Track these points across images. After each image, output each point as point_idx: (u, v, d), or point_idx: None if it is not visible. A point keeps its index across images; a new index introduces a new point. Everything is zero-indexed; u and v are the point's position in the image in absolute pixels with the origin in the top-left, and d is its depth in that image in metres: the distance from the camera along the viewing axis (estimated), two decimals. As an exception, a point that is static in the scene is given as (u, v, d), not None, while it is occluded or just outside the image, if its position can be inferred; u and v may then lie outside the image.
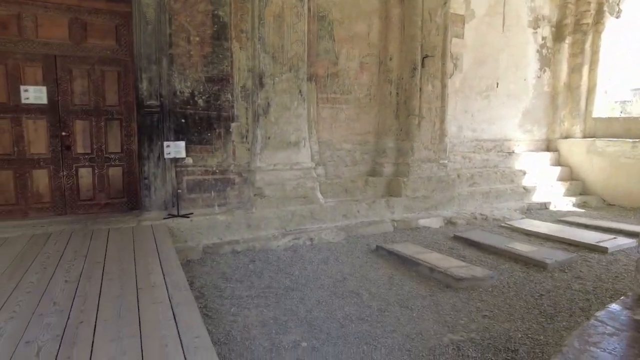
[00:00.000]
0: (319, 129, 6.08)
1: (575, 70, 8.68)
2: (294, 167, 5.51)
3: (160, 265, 3.45)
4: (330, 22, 6.11)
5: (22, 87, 4.60)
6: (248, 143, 5.45)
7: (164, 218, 4.82)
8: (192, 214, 5.04)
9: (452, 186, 6.80)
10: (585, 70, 8.61)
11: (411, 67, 6.41)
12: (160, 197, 4.99)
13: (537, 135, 8.77)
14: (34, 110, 4.68)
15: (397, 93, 6.57)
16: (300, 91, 5.50)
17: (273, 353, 2.76)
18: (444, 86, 6.67)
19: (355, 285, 3.91)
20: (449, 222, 6.30)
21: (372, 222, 5.88)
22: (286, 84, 5.40)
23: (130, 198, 5.14)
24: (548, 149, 8.86)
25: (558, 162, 8.71)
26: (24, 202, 4.72)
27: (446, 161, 6.81)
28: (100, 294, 2.86)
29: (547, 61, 8.66)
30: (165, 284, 3.04)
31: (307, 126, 5.67)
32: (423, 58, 6.45)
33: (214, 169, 5.28)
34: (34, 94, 4.64)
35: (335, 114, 6.26)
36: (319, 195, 5.68)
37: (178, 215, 4.91)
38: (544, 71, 8.67)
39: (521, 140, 8.52)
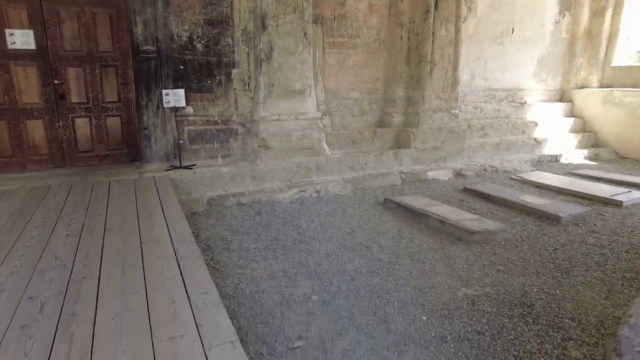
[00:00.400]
0: (325, 76, 5.77)
1: (597, 14, 8.12)
2: (299, 117, 5.27)
3: (164, 217, 3.34)
4: (337, -42, 5.61)
5: (7, 31, 4.28)
6: (250, 91, 5.18)
7: (166, 170, 4.67)
8: (195, 165, 4.88)
9: (462, 137, 6.57)
10: (609, 14, 8.05)
11: (424, 10, 5.97)
12: (161, 148, 4.81)
13: (551, 85, 8.38)
14: (22, 56, 4.39)
15: (409, 38, 6.18)
16: (305, 34, 5.15)
17: (283, 307, 2.69)
18: (457, 31, 6.25)
19: (364, 238, 3.82)
20: (459, 174, 6.14)
21: (380, 175, 5.73)
22: (290, 26, 5.03)
23: (130, 149, 4.96)
24: (562, 100, 8.50)
25: (571, 114, 8.38)
26: (20, 155, 4.55)
27: (457, 111, 6.53)
28: (102, 248, 2.76)
29: (567, 4, 8.09)
30: (170, 237, 2.94)
31: (313, 73, 5.37)
32: (437, 0, 6.00)
33: (216, 118, 5.05)
34: (21, 39, 4.33)
35: (343, 60, 5.91)
36: (326, 147, 5.48)
37: (180, 167, 4.76)
38: (563, 16, 8.12)
39: (534, 90, 8.15)
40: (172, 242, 2.85)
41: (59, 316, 2.02)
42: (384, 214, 4.48)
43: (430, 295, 2.84)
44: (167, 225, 3.16)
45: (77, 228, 3.12)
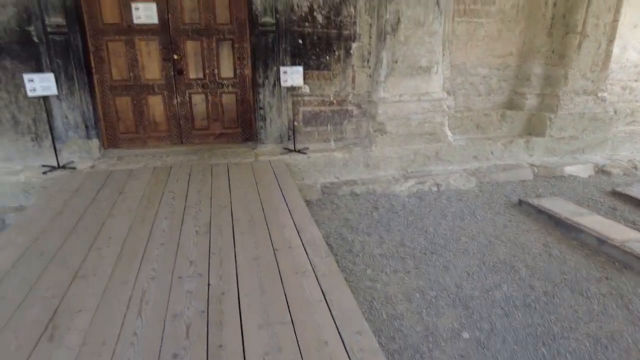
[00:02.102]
0: (452, 50, 5.07)
1: None
2: (422, 98, 4.70)
3: (291, 215, 3.12)
4: None
5: (132, 5, 4.20)
6: (370, 68, 4.69)
7: (281, 153, 4.46)
8: (307, 148, 4.61)
9: (607, 125, 5.53)
10: None
11: (580, -33, 4.90)
12: (275, 129, 4.58)
13: None
14: (145, 30, 4.32)
15: (555, 3, 5.16)
16: (437, 2, 4.46)
17: (430, 343, 2.35)
18: (620, -8, 5.10)
19: (506, 253, 3.30)
20: (601, 170, 5.20)
21: (508, 167, 5.03)
22: (422, -7, 4.38)
23: (245, 129, 4.82)
24: None
25: None
26: (142, 131, 4.61)
27: (606, 94, 5.47)
28: (235, 254, 2.59)
29: None
30: (302, 244, 2.69)
31: (441, 47, 4.70)
32: (599, -46, 4.87)
33: (331, 98, 4.68)
34: (145, 13, 4.24)
35: (473, 30, 5.13)
36: (448, 132, 4.89)
37: (294, 150, 4.52)
38: None
39: None
40: (306, 252, 2.61)
41: (207, 347, 1.86)
42: (522, 221, 3.88)
43: (612, 351, 2.31)
44: (295, 227, 2.93)
45: (204, 223, 3.00)
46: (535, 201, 4.13)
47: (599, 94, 5.40)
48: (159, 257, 2.57)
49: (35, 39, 3.97)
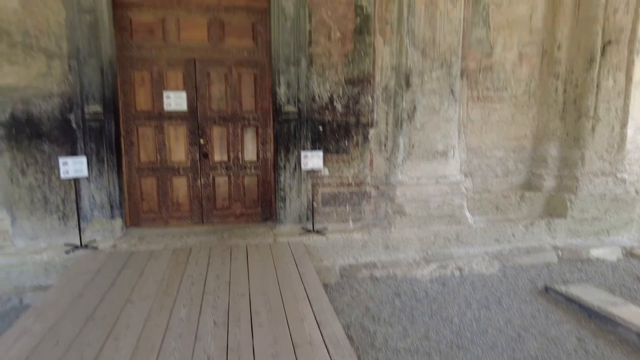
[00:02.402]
0: (467, 133, 5.21)
1: None
2: (440, 180, 4.76)
3: (310, 305, 3.04)
4: (485, 5, 5.10)
5: (164, 93, 4.52)
6: (387, 152, 4.83)
7: (300, 234, 4.47)
8: (326, 229, 4.62)
9: (630, 206, 5.44)
10: None
11: (587, 58, 5.14)
12: (294, 209, 4.64)
13: None
14: (174, 116, 4.60)
15: (565, 90, 5.36)
16: (452, 91, 4.68)
17: None
18: (629, 80, 5.27)
19: (538, 349, 3.11)
20: (629, 253, 5.03)
21: (531, 249, 4.91)
22: (436, 83, 4.62)
23: (264, 209, 4.89)
24: None
25: None
26: (165, 211, 4.72)
27: (625, 175, 5.45)
28: (254, 350, 2.50)
29: None
30: (324, 340, 2.59)
31: (457, 132, 4.85)
32: (604, 45, 5.13)
33: (350, 180, 4.77)
34: (175, 100, 4.55)
35: (487, 115, 5.30)
36: (467, 214, 4.87)
37: (313, 231, 4.53)
38: None
39: None
40: (327, 350, 2.50)
41: None
42: (551, 310, 3.70)
43: None
44: (316, 319, 2.84)
45: (223, 312, 2.94)
46: (563, 288, 3.97)
47: (618, 175, 5.39)
48: (176, 350, 2.50)
49: (74, 125, 4.24)
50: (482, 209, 5.17)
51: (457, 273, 4.40)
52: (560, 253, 4.89)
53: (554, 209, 5.32)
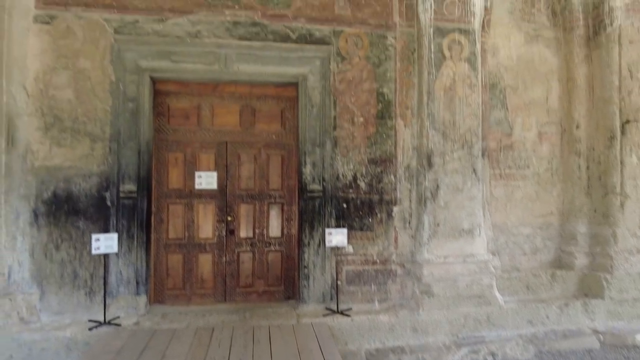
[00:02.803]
0: (492, 211, 5.19)
1: None
2: (467, 259, 4.67)
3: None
4: (502, 89, 5.36)
5: (196, 173, 4.75)
6: (411, 229, 4.83)
7: (324, 315, 4.36)
8: (350, 309, 4.51)
9: (673, 286, 5.16)
10: None
11: (607, 136, 5.22)
12: (318, 288, 4.58)
13: None
14: (204, 195, 4.78)
15: (588, 166, 5.38)
16: (474, 170, 4.77)
17: None
18: (653, 157, 5.28)
19: None
20: (679, 339, 4.67)
21: (568, 333, 4.63)
22: (458, 163, 4.73)
23: (287, 287, 4.85)
24: None
25: None
26: (189, 288, 4.73)
27: (662, 253, 5.24)
28: None
29: None
30: None
31: (482, 210, 4.85)
32: (623, 124, 5.23)
33: (374, 258, 4.74)
34: (206, 180, 4.76)
35: (510, 193, 5.32)
36: (497, 295, 4.69)
37: (337, 312, 4.42)
38: None
39: None
40: None
41: None
42: (599, 406, 3.40)
43: None
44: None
45: (246, 402, 2.82)
46: (609, 381, 3.67)
47: (655, 254, 5.18)
48: None
49: (108, 203, 4.43)
50: (512, 288, 4.98)
51: (490, 359, 4.15)
52: (601, 338, 4.58)
53: (589, 289, 5.08)
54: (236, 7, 4.65)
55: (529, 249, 5.33)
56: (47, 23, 4.36)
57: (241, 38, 4.64)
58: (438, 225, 4.65)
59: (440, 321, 4.47)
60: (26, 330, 3.99)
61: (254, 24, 4.67)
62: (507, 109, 5.36)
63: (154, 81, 4.63)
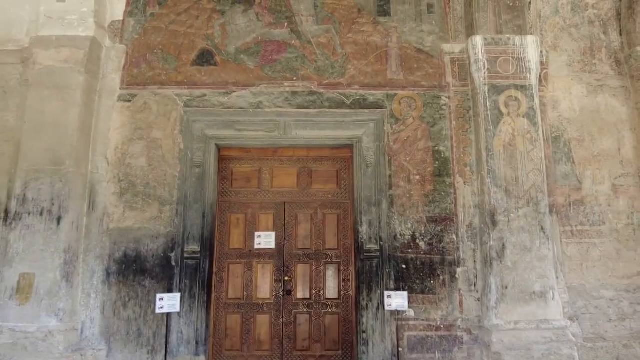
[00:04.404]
0: (565, 272, 4.77)
1: None
2: (541, 325, 4.26)
3: None
4: (566, 142, 5.12)
5: (256, 234, 4.89)
6: (477, 292, 4.54)
7: (385, 386, 4.12)
8: (413, 380, 4.21)
9: None
10: None
11: (696, 187, 4.75)
12: (378, 354, 4.36)
13: None
14: (263, 254, 4.87)
15: (676, 219, 4.87)
16: (542, 228, 4.48)
17: None
18: None
19: None
20: None
21: (675, 420, 3.96)
22: (524, 220, 4.47)
23: (345, 352, 4.66)
24: None
25: None
26: (246, 349, 4.69)
27: None
28: None
29: None
30: None
31: (554, 271, 4.48)
32: None
33: (438, 323, 4.46)
34: (265, 239, 4.87)
35: (585, 251, 4.88)
36: (581, 369, 4.19)
37: (399, 382, 4.15)
38: None
39: None
40: None
41: None
42: None
43: None
44: None
45: None
46: None
47: None
48: None
49: (173, 263, 4.61)
50: (599, 361, 4.43)
51: None
52: None
53: (695, 366, 4.39)
54: (294, 78, 4.98)
55: (614, 314, 4.76)
56: (128, 101, 4.91)
57: (299, 106, 4.91)
58: (506, 287, 4.33)
59: (516, 397, 4.03)
60: (90, 388, 4.12)
61: (311, 93, 4.95)
62: (573, 162, 5.08)
63: (218, 148, 4.96)
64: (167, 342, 4.40)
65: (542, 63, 5.01)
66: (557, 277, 4.57)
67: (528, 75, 4.77)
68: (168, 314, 4.43)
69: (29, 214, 4.33)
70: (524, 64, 4.79)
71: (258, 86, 4.92)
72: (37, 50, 4.67)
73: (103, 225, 4.65)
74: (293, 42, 5.04)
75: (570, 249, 4.86)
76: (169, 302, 4.35)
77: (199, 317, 4.50)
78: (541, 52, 5.00)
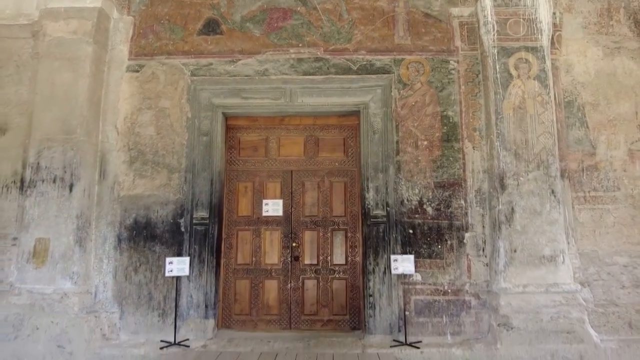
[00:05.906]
0: (577, 238, 4.68)
1: None
2: (550, 289, 4.20)
3: None
4: (580, 106, 4.97)
5: (263, 201, 4.93)
6: (485, 257, 4.50)
7: (391, 346, 4.13)
8: (420, 342, 4.22)
9: None
10: None
11: None
12: (385, 318, 4.37)
13: None
14: (271, 222, 4.91)
15: (696, 186, 4.70)
16: (552, 191, 4.39)
17: None
18: None
19: None
20: None
21: (688, 383, 3.89)
22: (534, 184, 4.39)
23: (353, 316, 4.70)
24: None
25: None
26: (255, 314, 4.77)
27: None
28: None
29: None
30: None
31: (564, 235, 4.40)
32: None
33: (445, 287, 4.45)
34: (273, 207, 4.91)
35: (599, 217, 4.76)
36: (591, 331, 4.13)
37: (405, 344, 4.16)
38: None
39: None
40: None
41: None
42: None
43: None
44: None
45: None
46: None
47: None
48: None
49: (182, 229, 4.69)
50: (611, 325, 4.35)
51: (588, 407, 3.59)
52: None
53: None
54: (300, 45, 4.94)
55: (628, 281, 4.66)
56: (137, 71, 4.96)
57: (305, 73, 4.88)
58: (515, 251, 4.28)
59: (522, 358, 4.00)
60: (107, 346, 4.27)
61: (317, 59, 4.91)
62: (587, 127, 4.93)
63: (225, 117, 4.99)
64: (177, 306, 4.50)
65: (555, 25, 4.85)
66: (568, 243, 4.49)
67: (539, 36, 4.64)
68: (178, 279, 4.53)
69: (43, 181, 4.45)
70: (535, 25, 4.65)
71: (264, 54, 4.91)
72: (46, 22, 4.74)
73: (114, 193, 4.74)
74: (298, 8, 4.99)
75: (582, 215, 4.75)
76: (178, 266, 4.44)
77: (208, 282, 4.58)
78: (554, 13, 4.83)
